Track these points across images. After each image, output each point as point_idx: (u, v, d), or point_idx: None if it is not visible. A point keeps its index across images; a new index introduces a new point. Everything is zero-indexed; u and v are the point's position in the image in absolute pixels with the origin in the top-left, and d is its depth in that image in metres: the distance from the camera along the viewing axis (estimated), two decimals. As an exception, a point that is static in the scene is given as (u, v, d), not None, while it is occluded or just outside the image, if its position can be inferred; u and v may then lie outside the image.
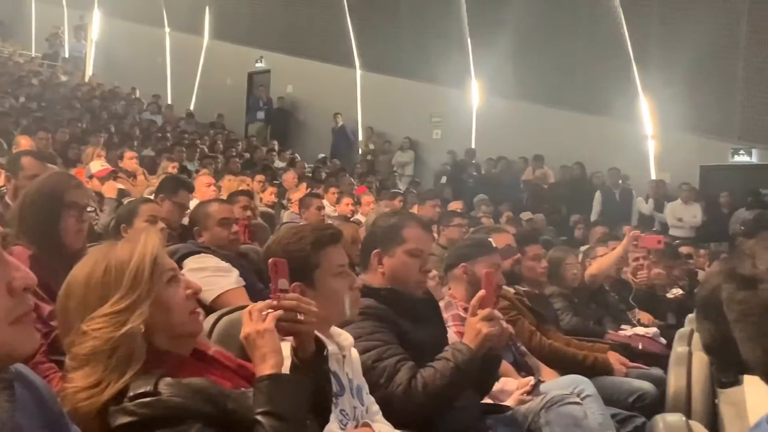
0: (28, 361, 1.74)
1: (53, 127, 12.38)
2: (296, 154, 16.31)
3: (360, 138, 18.32)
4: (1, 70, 19.72)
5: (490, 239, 4.36)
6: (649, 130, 14.25)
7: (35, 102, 16.30)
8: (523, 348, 4.43)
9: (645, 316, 6.29)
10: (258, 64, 20.69)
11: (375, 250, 3.19)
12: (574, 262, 5.91)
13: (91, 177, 7.17)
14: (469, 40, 16.35)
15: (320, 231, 2.69)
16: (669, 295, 7.00)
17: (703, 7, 13.56)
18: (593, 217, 12.88)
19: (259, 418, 1.94)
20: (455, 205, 10.55)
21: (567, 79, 15.29)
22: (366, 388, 2.73)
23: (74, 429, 1.71)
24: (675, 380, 3.41)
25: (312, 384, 2.11)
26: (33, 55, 24.22)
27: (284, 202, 10.17)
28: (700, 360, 3.35)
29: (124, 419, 1.86)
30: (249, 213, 6.20)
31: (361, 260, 3.29)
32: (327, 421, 2.27)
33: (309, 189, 10.50)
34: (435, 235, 6.99)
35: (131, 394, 1.88)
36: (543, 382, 3.85)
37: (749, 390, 2.36)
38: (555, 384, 3.80)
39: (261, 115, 19.56)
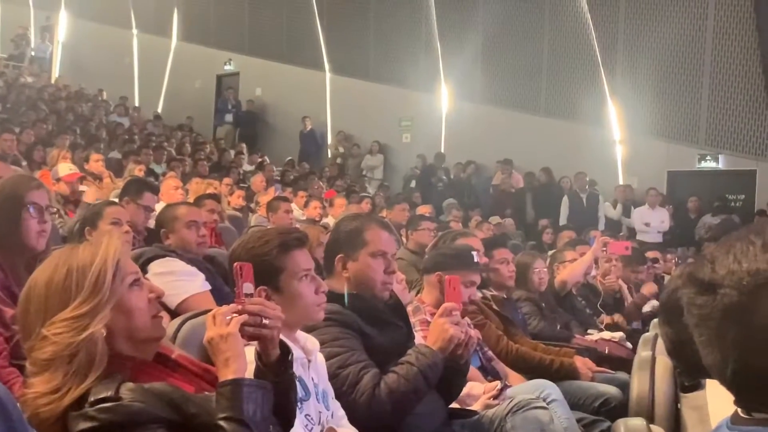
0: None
1: (18, 128, 12.23)
2: (265, 157, 16.24)
3: (329, 141, 18.29)
4: (-35, 72, 19.50)
5: (473, 253, 4.28)
6: (617, 135, 14.35)
7: (0, 103, 16.10)
8: (490, 353, 4.43)
9: (617, 317, 6.34)
10: (226, 67, 20.60)
11: (338, 255, 3.16)
12: (542, 266, 5.93)
13: (58, 180, 7.10)
14: (438, 45, 16.39)
15: (286, 235, 2.67)
16: (646, 308, 6.95)
17: (669, 13, 13.72)
18: (561, 221, 12.94)
19: (221, 423, 1.92)
20: (424, 209, 10.53)
21: (536, 84, 15.41)
22: (332, 393, 2.72)
23: (33, 434, 1.69)
24: (638, 385, 3.42)
25: (276, 389, 2.09)
26: (-2, 56, 23.96)
27: (252, 205, 10.12)
28: (664, 364, 3.36)
29: (85, 425, 1.84)
30: (216, 216, 6.17)
31: (325, 265, 3.25)
32: (292, 426, 2.25)
33: (277, 192, 10.47)
34: (404, 239, 6.99)
35: (92, 399, 1.86)
36: (509, 386, 3.85)
37: (711, 394, 2.37)
38: (521, 388, 3.80)
39: (229, 117, 19.44)
